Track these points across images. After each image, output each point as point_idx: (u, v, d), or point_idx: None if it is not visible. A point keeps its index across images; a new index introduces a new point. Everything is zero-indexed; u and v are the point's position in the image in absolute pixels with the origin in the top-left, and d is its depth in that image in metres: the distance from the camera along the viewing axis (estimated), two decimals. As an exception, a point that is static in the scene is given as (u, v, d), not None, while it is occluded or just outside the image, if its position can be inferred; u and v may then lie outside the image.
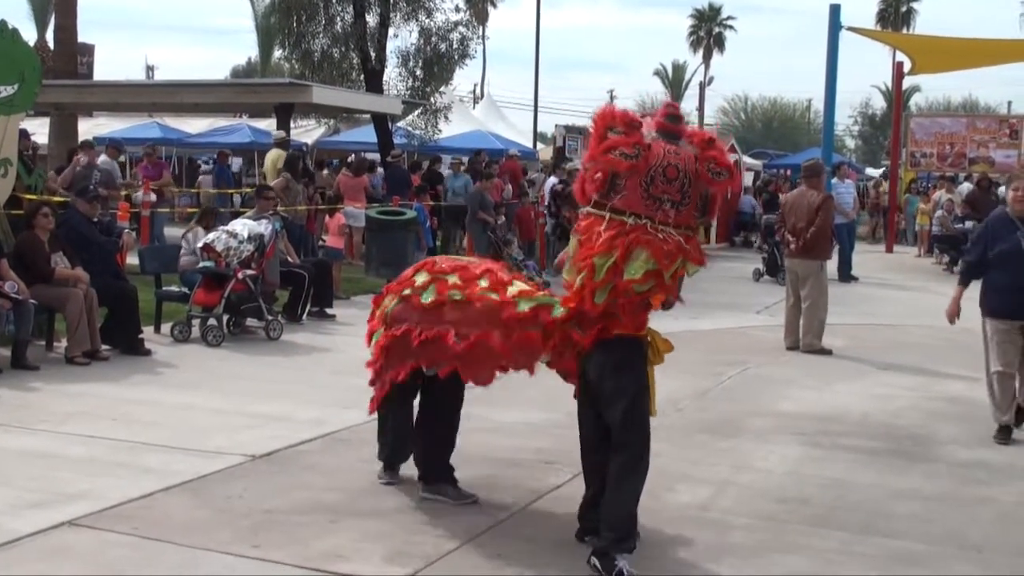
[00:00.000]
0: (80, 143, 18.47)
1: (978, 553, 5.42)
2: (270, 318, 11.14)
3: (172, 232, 16.87)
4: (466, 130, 29.60)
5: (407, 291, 5.68)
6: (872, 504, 6.13)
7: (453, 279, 5.53)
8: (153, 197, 16.07)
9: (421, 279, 5.66)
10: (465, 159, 24.01)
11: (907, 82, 33.39)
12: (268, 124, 26.61)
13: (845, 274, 18.64)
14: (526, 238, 18.47)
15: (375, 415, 6.19)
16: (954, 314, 7.94)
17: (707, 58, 78.93)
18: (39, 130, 22.41)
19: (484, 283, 5.46)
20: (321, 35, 24.13)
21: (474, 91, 57.64)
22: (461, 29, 24.89)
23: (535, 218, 19.76)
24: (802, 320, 11.34)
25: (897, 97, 31.06)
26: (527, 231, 18.66)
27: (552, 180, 20.36)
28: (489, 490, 6.09)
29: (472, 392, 7.77)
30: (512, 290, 5.37)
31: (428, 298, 5.52)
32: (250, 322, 11.42)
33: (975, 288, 7.94)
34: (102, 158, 17.89)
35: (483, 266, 5.69)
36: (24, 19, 49.21)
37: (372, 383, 5.97)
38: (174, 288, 11.44)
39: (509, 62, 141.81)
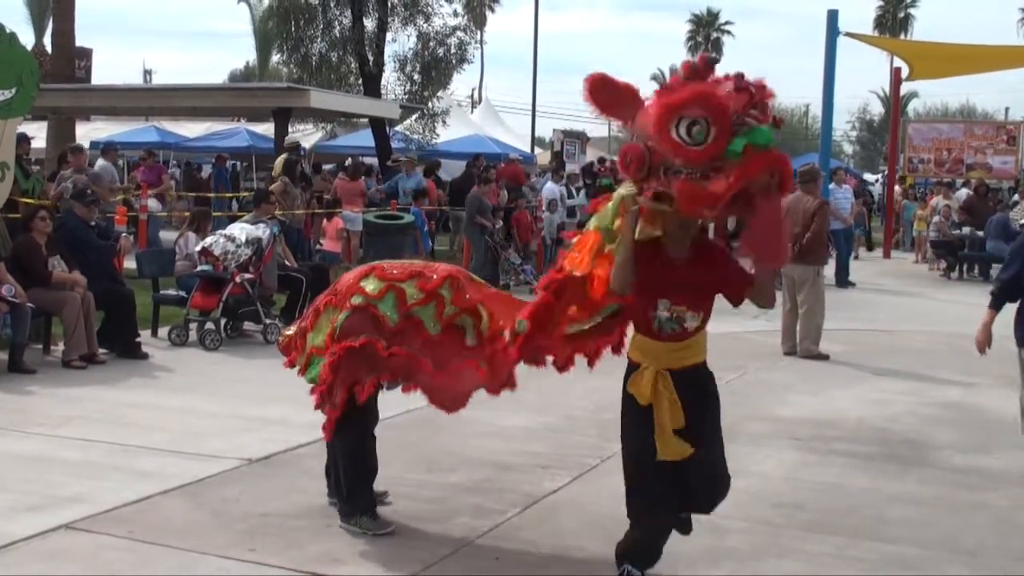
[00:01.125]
0: (70, 147, 18.36)
1: (972, 558, 5.43)
2: (268, 322, 11.14)
3: (167, 236, 16.86)
4: (464, 134, 29.63)
5: (358, 299, 5.13)
6: (867, 509, 6.14)
7: (411, 290, 5.11)
8: (158, 205, 16.04)
9: (372, 286, 5.15)
10: (416, 157, 23.92)
11: (905, 88, 33.35)
12: (266, 128, 26.65)
13: (842, 279, 18.64)
14: (522, 242, 18.46)
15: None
16: (984, 344, 7.07)
17: (705, 63, 78.88)
18: (37, 134, 22.42)
19: (446, 294, 5.10)
20: (319, 39, 24.21)
21: (472, 95, 57.84)
22: (459, 33, 25.01)
23: (532, 222, 19.75)
24: (799, 325, 11.35)
25: (895, 103, 31.04)
26: (523, 235, 18.66)
27: (552, 186, 20.33)
28: (485, 494, 6.10)
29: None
30: (484, 319, 5.05)
31: (394, 318, 5.06)
32: (248, 326, 11.43)
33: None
34: (100, 162, 17.88)
35: (442, 273, 5.21)
36: (22, 23, 49.27)
37: (320, 406, 5.29)
38: (171, 292, 11.45)
39: (507, 66, 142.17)
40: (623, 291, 4.51)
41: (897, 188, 27.97)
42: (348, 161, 21.43)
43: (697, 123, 4.09)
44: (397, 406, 8.24)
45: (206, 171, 29.20)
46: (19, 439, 7.06)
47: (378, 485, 5.69)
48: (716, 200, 4.14)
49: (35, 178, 12.98)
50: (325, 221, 15.95)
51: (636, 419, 4.61)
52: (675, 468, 4.57)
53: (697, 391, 4.63)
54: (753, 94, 4.15)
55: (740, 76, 4.20)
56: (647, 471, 4.60)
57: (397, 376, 5.22)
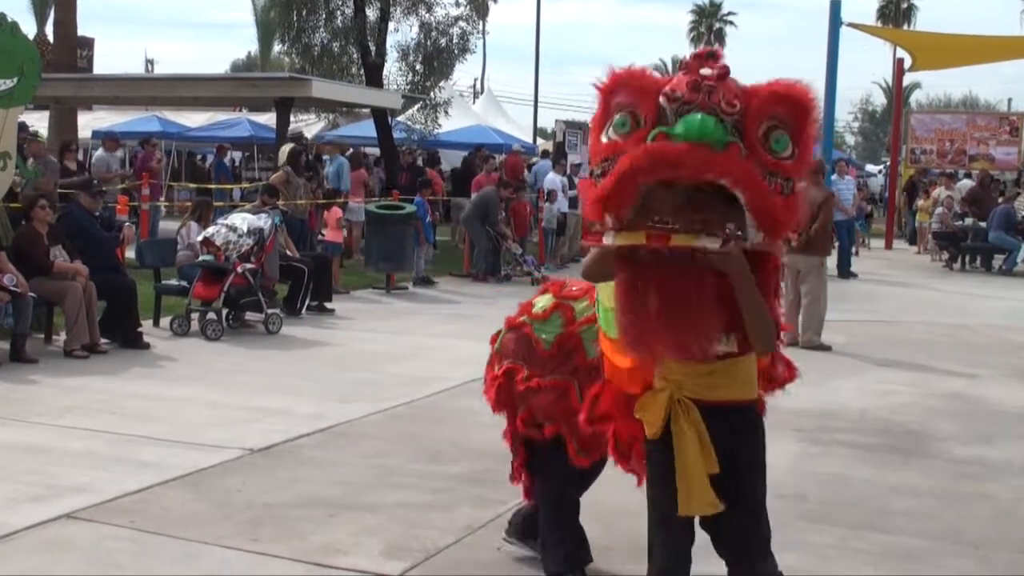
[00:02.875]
0: (27, 135, 17.87)
1: (975, 549, 5.42)
2: (269, 312, 11.14)
3: (169, 226, 16.84)
4: (466, 125, 29.57)
5: (523, 317, 4.53)
6: (869, 500, 6.13)
7: (582, 306, 4.35)
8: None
9: (541, 304, 4.49)
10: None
11: (907, 78, 33.38)
12: (268, 118, 26.61)
13: (844, 271, 18.64)
14: (520, 234, 18.46)
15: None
16: None
17: (707, 54, 78.79)
18: (39, 123, 22.38)
19: None
20: (321, 29, 24.11)
21: (474, 86, 57.62)
22: (461, 24, 24.87)
23: (530, 213, 19.77)
24: (801, 316, 11.34)
25: (897, 94, 31.03)
26: (521, 226, 18.65)
27: (553, 176, 20.31)
28: (487, 484, 6.09)
29: (470, 387, 7.77)
30: None
31: (549, 340, 4.38)
32: (249, 316, 11.43)
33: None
34: (99, 152, 17.88)
35: None
36: (24, 12, 49.17)
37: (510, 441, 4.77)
38: (173, 282, 11.44)
39: (509, 57, 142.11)
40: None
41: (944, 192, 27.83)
42: (349, 151, 21.35)
43: (625, 110, 3.31)
44: (399, 397, 8.28)
45: (210, 160, 29.13)
46: (21, 429, 7.05)
47: (380, 476, 5.69)
48: (591, 201, 3.25)
49: (36, 168, 12.96)
50: (325, 211, 15.92)
51: (654, 457, 3.58)
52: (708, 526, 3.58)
53: (734, 436, 3.51)
54: (697, 74, 3.22)
55: (697, 55, 3.32)
56: (669, 530, 3.62)
57: (534, 415, 4.47)
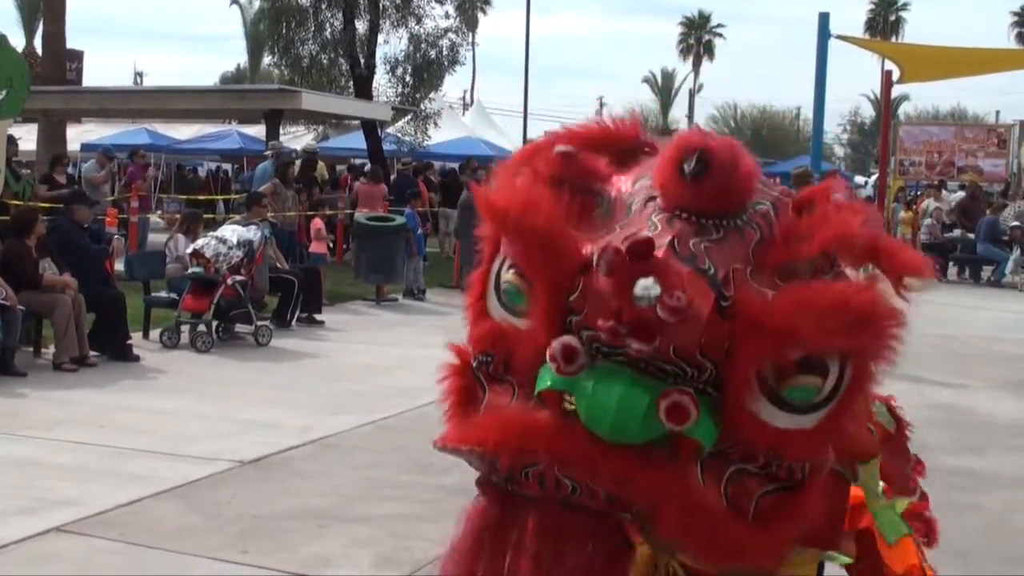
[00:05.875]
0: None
1: (963, 559, 5.42)
2: (259, 324, 11.13)
3: (157, 238, 16.83)
4: (455, 136, 29.63)
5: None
6: (859, 510, 6.14)
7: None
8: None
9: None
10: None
11: (896, 91, 33.47)
12: (257, 131, 26.60)
13: (833, 282, 18.70)
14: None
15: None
16: None
17: (697, 66, 79.14)
18: (27, 136, 22.33)
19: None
20: (310, 41, 24.15)
21: (464, 97, 57.78)
22: (451, 36, 24.93)
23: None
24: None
25: (886, 106, 31.03)
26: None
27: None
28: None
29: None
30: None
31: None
32: (239, 328, 11.41)
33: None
34: (89, 163, 17.89)
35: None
36: (12, 25, 49.34)
37: None
38: (163, 294, 11.42)
39: (499, 69, 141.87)
40: None
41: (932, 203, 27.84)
42: (368, 166, 21.34)
43: (519, 270, 1.92)
44: (390, 408, 8.28)
45: (201, 172, 29.06)
46: (9, 442, 7.03)
47: (370, 487, 5.68)
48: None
49: (26, 181, 12.95)
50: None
51: None
52: None
53: None
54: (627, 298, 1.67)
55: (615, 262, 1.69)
56: None
57: None
